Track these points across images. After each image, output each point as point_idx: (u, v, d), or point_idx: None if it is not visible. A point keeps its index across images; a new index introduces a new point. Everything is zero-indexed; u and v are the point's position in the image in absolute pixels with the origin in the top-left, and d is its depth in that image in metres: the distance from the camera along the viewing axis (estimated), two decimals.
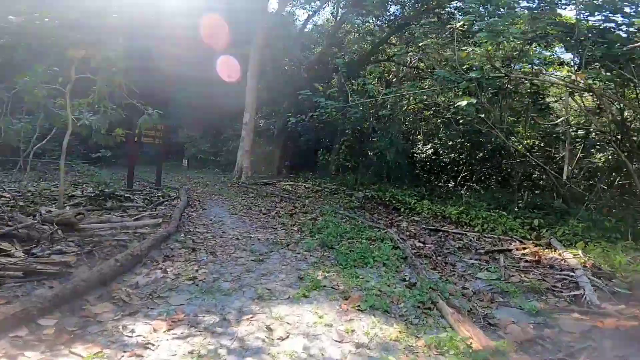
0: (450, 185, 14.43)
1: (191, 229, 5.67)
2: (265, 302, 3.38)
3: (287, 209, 8.03)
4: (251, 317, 3.08)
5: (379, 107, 14.76)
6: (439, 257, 5.66)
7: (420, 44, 7.23)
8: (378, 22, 17.38)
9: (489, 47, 6.80)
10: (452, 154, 14.09)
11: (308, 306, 3.35)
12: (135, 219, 5.65)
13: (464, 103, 6.05)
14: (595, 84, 6.47)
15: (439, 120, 16.08)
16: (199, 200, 8.45)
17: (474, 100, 6.17)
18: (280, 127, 15.33)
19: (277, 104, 16.20)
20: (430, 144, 15.96)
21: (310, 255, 4.84)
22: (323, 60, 16.68)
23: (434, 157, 15.43)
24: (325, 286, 3.79)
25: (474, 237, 6.71)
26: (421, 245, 6.24)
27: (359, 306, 3.39)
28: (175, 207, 6.78)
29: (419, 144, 16.51)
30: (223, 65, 16.12)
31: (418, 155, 15.90)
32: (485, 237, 6.78)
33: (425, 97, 9.10)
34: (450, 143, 13.97)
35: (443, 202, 9.73)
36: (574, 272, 4.84)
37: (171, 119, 18.39)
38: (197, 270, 4.05)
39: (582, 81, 6.50)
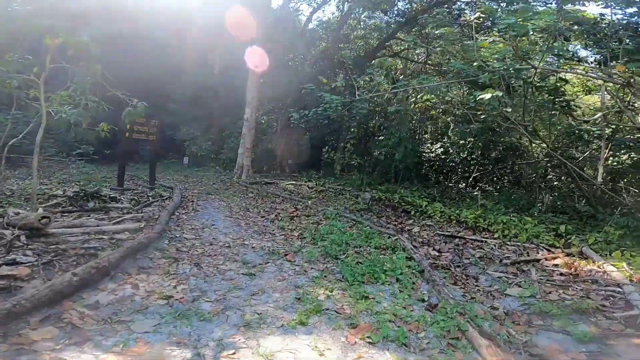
0: (460, 186, 13.70)
1: (177, 235, 5.01)
2: (252, 332, 2.71)
3: (288, 211, 7.37)
4: (232, 354, 2.41)
5: (386, 103, 14.10)
6: (458, 269, 4.98)
7: (437, 31, 6.52)
8: (385, 17, 16.72)
9: (512, 37, 6.11)
10: (463, 154, 13.33)
11: (306, 337, 2.68)
12: (114, 223, 5.01)
13: (487, 96, 5.34)
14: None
15: (448, 118, 15.38)
16: (192, 201, 7.81)
17: (500, 93, 5.46)
18: (283, 124, 14.67)
19: (280, 100, 15.56)
20: (439, 143, 15.24)
21: (311, 268, 4.16)
22: (328, 55, 16.04)
23: (443, 156, 14.69)
24: (327, 309, 3.11)
25: (495, 245, 6.00)
26: (437, 254, 5.55)
27: (369, 337, 2.71)
28: (164, 209, 6.15)
29: (427, 143, 15.78)
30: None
31: (427, 155, 15.17)
32: (507, 244, 6.07)
33: (438, 91, 8.36)
34: (461, 142, 13.22)
35: (456, 204, 9.03)
36: (620, 287, 4.14)
37: (172, 116, 17.92)
38: (175, 287, 3.39)
39: (619, 74, 5.78)
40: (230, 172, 13.81)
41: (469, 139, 12.69)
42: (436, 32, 6.64)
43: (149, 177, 9.68)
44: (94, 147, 12.20)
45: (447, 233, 6.59)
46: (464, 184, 13.69)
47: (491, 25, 11.03)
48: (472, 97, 6.27)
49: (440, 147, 15.01)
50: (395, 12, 16.13)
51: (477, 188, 12.96)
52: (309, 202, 8.49)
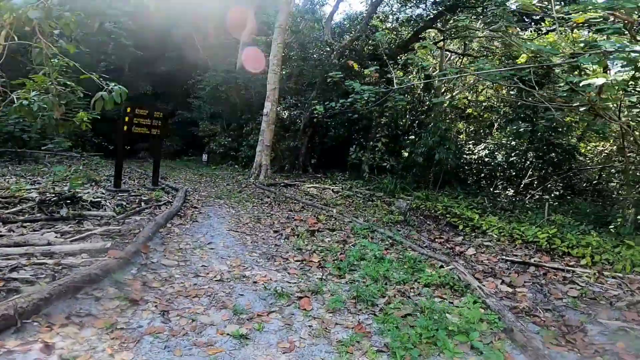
0: (508, 193, 11.90)
1: (154, 259, 3.69)
2: None
3: (308, 223, 5.99)
4: None
5: (418, 101, 12.58)
6: (547, 314, 3.45)
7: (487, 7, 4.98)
8: (418, 9, 15.15)
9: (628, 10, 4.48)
10: (516, 157, 11.53)
11: None
12: (73, 240, 3.78)
13: (599, 81, 3.78)
14: None
15: (493, 117, 13.62)
16: (196, 207, 6.56)
17: (619, 77, 3.88)
18: (307, 120, 13.32)
19: (304, 93, 14.25)
20: (483, 144, 13.48)
21: (336, 324, 2.73)
22: (356, 46, 14.61)
23: (486, 159, 12.91)
24: None
25: (589, 277, 4.40)
26: (509, 290, 4.03)
27: None
28: (151, 220, 4.90)
29: (468, 144, 14.01)
30: (248, 56, 14.65)
31: (467, 157, 13.42)
32: (604, 276, 4.45)
33: (497, 77, 6.74)
34: (512, 143, 11.46)
35: (515, 217, 7.38)
36: None
37: (193, 112, 17.07)
38: (112, 355, 2.07)
39: None
40: (248, 171, 12.61)
41: (523, 140, 10.92)
42: (503, 7, 5.05)
43: (152, 177, 8.56)
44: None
45: (515, 258, 5.02)
46: (512, 191, 11.89)
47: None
48: (563, 82, 4.68)
49: (484, 149, 13.26)
50: (431, 1, 14.56)
51: (530, 196, 11.14)
52: (334, 210, 7.08)
